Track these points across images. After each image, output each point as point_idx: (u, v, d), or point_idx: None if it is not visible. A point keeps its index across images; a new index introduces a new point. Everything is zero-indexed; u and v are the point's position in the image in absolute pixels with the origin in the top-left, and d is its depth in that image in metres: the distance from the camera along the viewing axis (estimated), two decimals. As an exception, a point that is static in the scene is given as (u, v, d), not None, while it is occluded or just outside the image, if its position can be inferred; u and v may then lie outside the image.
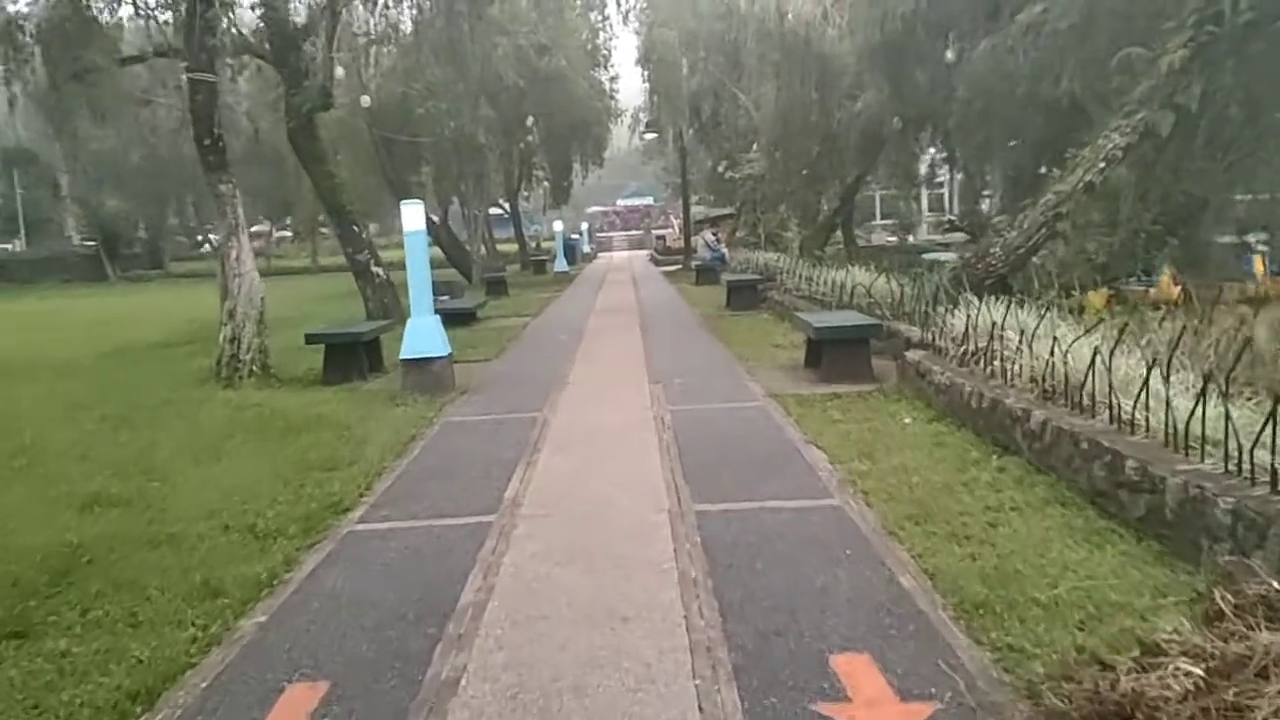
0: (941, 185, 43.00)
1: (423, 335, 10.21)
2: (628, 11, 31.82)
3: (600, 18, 31.82)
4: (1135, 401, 5.42)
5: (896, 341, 10.71)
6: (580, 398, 9.85)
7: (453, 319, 17.86)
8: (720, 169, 30.33)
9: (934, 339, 8.85)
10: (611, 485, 6.46)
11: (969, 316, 8.08)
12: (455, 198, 31.96)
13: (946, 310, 9.03)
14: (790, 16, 19.46)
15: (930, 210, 43.21)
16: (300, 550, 5.49)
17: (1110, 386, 5.77)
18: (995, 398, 6.88)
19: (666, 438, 7.80)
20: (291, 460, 7.60)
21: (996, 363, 7.44)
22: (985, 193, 26.71)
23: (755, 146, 28.89)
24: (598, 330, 16.12)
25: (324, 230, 67.64)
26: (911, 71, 15.39)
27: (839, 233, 28.47)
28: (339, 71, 24.15)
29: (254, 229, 65.69)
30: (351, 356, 11.61)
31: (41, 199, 51.10)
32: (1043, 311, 7.78)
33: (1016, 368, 7.11)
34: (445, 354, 10.37)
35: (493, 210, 53.38)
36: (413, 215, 10.15)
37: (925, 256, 27.14)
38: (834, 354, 9.95)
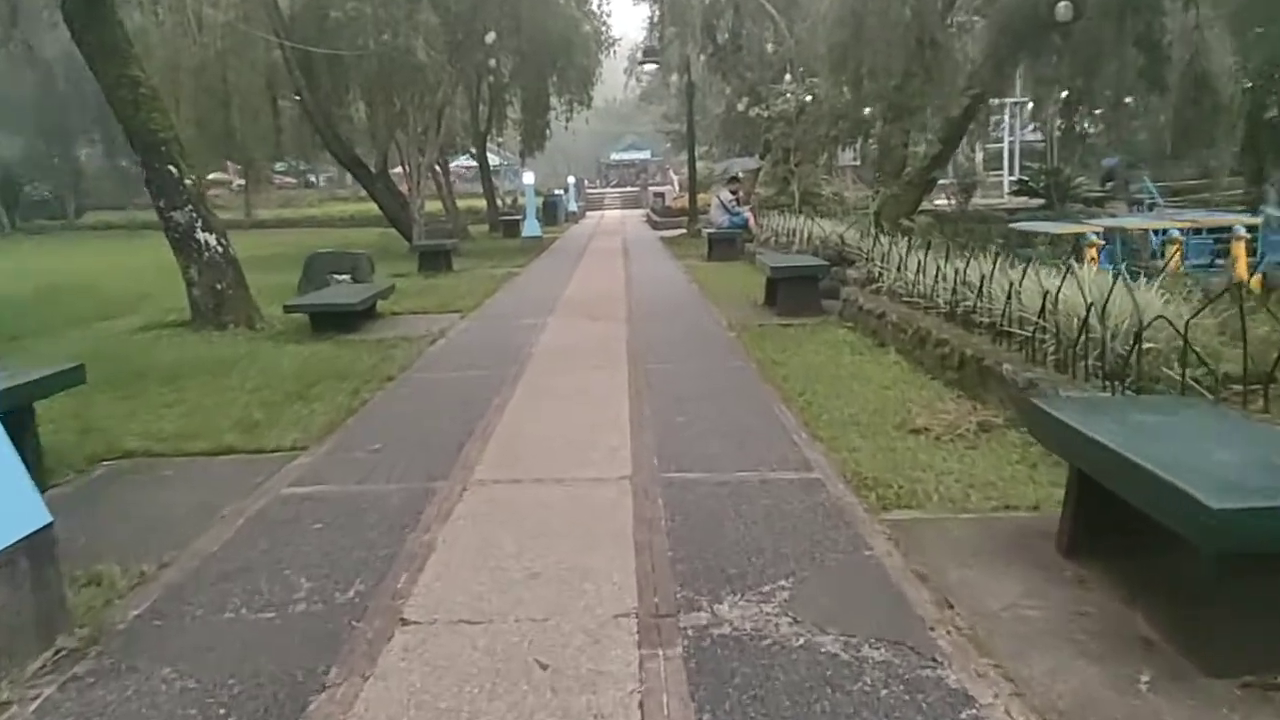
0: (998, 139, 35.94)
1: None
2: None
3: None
4: None
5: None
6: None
7: (327, 321, 10.96)
8: (742, 107, 23.10)
9: None
10: None
11: None
12: (397, 139, 24.75)
13: None
14: None
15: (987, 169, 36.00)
16: None
17: None
18: None
19: None
20: None
21: None
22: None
23: (788, 77, 21.76)
24: (551, 358, 9.13)
25: (282, 173, 60.08)
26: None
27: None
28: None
29: (212, 175, 58.39)
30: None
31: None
32: None
33: None
34: (22, 533, 3.32)
35: (466, 162, 46.17)
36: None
37: (1017, 227, 20.11)
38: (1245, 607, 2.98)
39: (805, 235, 14.21)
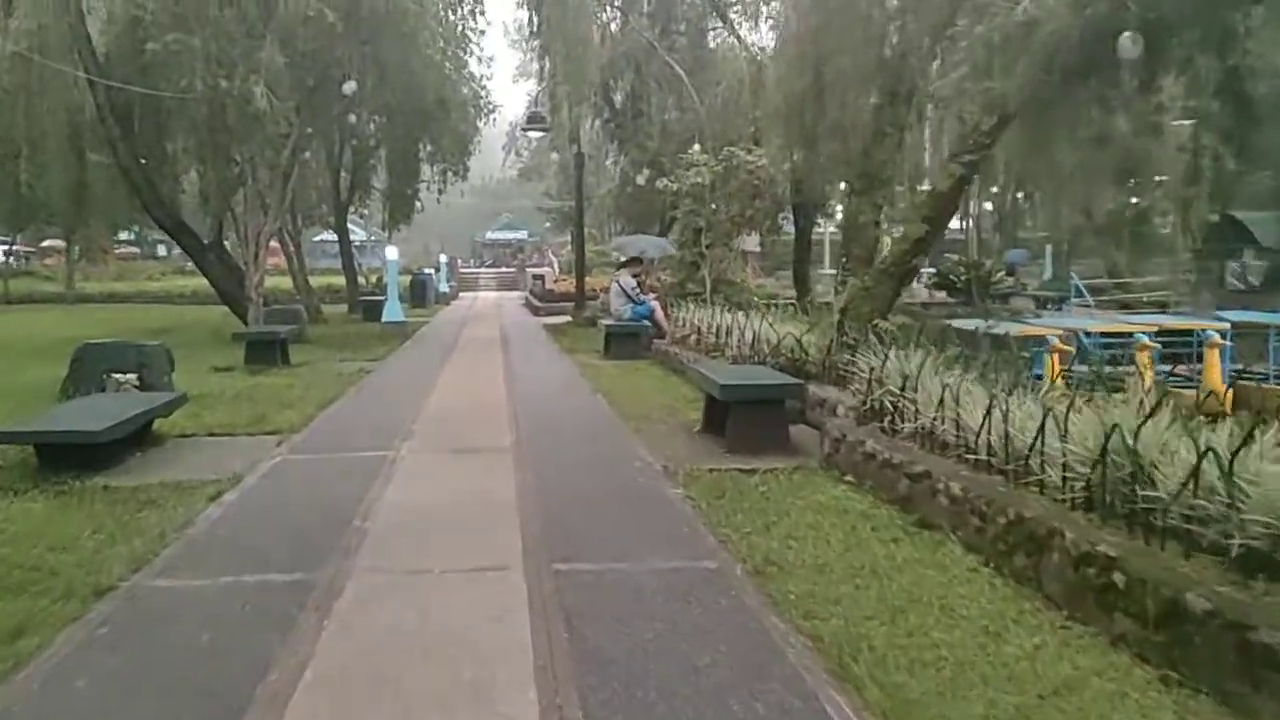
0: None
1: None
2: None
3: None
4: None
5: None
6: None
7: (62, 456, 7.18)
8: (643, 180, 20.14)
9: None
10: None
11: None
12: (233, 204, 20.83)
13: None
14: None
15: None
16: None
17: None
18: None
19: None
20: None
21: None
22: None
23: (696, 146, 18.90)
24: (393, 543, 5.60)
25: (126, 242, 54.37)
26: None
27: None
28: None
29: (46, 243, 52.16)
30: None
31: None
32: None
33: None
34: None
35: (330, 237, 42.10)
36: None
37: (957, 326, 17.47)
38: None
39: (746, 337, 11.05)
